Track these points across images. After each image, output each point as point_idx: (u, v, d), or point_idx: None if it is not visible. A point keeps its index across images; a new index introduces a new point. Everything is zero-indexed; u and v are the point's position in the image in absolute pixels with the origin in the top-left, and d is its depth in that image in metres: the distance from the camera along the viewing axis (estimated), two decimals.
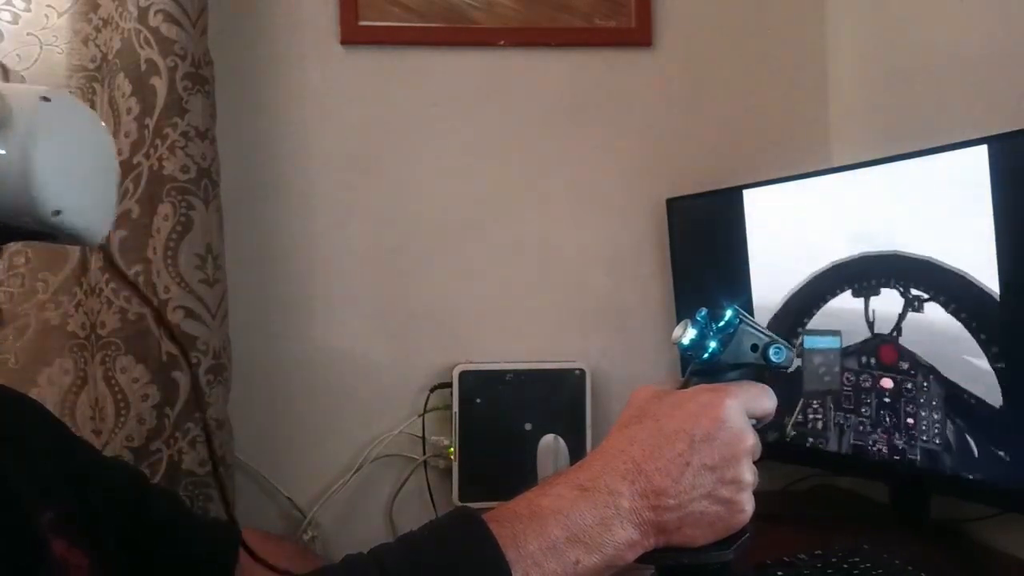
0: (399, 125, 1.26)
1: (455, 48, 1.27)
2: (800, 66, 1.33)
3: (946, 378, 0.91)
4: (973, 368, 0.88)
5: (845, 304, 1.03)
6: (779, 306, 1.11)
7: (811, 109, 1.33)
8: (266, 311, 1.23)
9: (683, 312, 1.24)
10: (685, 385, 0.55)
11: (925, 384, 0.93)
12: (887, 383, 0.98)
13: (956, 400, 0.90)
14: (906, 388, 0.96)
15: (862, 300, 1.01)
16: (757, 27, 1.32)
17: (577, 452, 1.17)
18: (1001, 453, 0.86)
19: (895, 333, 0.97)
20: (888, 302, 0.98)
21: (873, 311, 1.00)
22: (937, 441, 0.92)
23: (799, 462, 1.14)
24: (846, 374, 1.03)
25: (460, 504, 1.16)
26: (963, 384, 0.89)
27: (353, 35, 1.24)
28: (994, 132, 0.83)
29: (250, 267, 1.21)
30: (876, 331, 0.99)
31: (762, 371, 0.55)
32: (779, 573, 0.87)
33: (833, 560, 0.89)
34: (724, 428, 0.50)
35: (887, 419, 0.98)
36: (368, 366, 1.25)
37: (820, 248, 1.05)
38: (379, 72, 1.26)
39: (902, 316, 0.96)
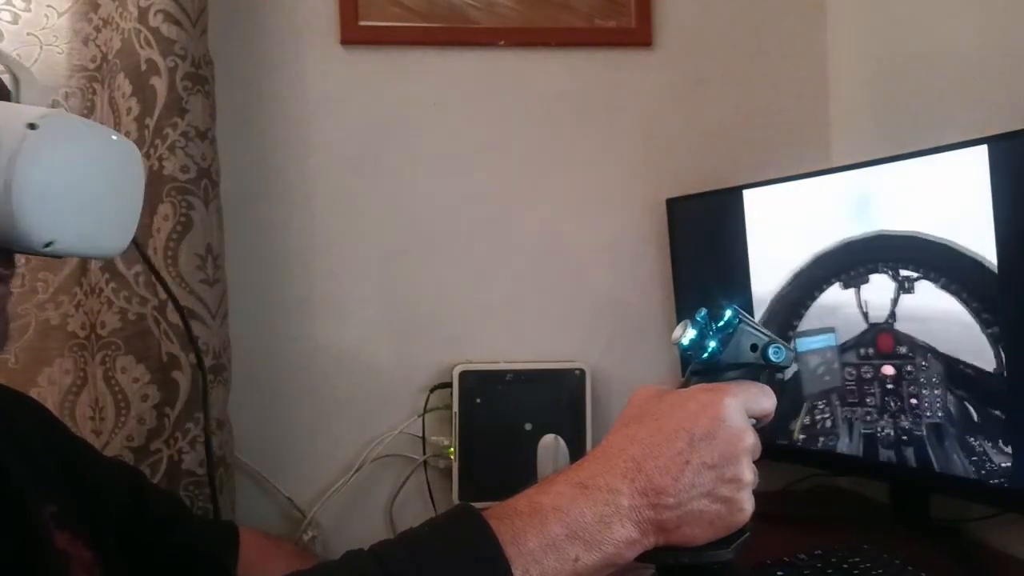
0: (399, 125, 1.26)
1: (455, 48, 1.27)
2: (800, 66, 1.33)
3: (944, 354, 0.91)
4: (971, 340, 0.88)
5: (837, 298, 1.02)
6: (766, 309, 1.11)
7: (811, 109, 1.33)
8: (266, 311, 1.23)
9: (683, 312, 1.24)
10: (685, 385, 0.55)
11: (924, 363, 0.94)
12: (888, 370, 0.98)
13: (955, 373, 0.90)
14: (907, 371, 0.96)
15: (853, 291, 1.00)
16: (757, 27, 1.32)
17: (577, 452, 1.17)
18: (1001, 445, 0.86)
19: (890, 320, 0.97)
20: (879, 289, 0.97)
21: (865, 301, 0.99)
22: (940, 414, 0.92)
23: (799, 462, 1.14)
24: (847, 369, 1.02)
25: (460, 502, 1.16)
26: (961, 357, 0.89)
27: (353, 35, 1.24)
28: (994, 132, 0.83)
29: (250, 267, 1.21)
30: (871, 321, 0.99)
31: (761, 371, 0.55)
32: (779, 573, 0.87)
33: (833, 560, 0.89)
34: (724, 427, 0.50)
35: (892, 404, 0.98)
36: (368, 366, 1.25)
37: (819, 247, 1.05)
38: (379, 72, 1.26)
39: (895, 301, 0.96)
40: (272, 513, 1.23)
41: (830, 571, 0.86)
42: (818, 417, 1.06)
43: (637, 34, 1.29)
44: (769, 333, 0.54)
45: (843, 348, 1.02)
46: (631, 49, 1.30)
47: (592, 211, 1.30)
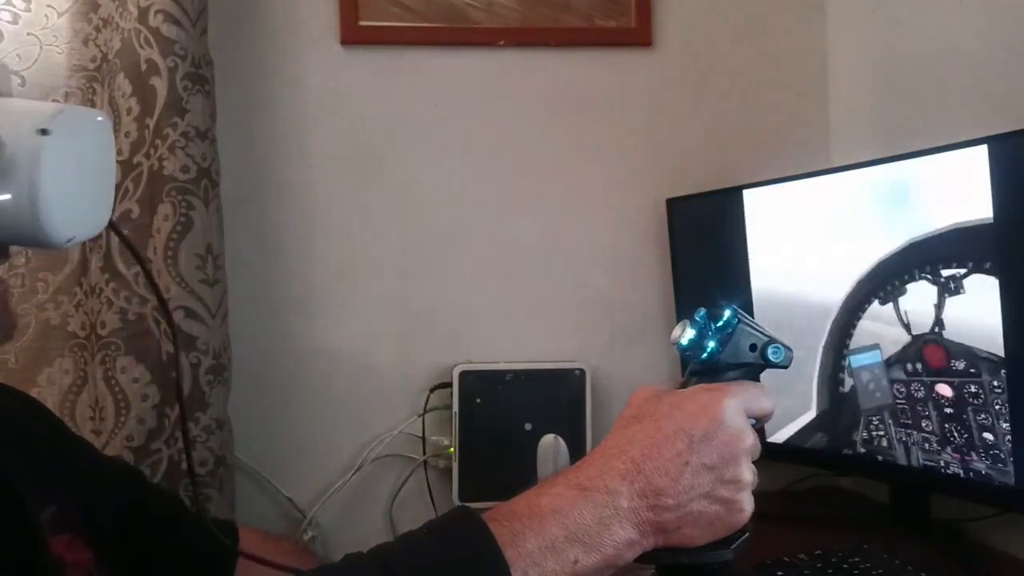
0: (399, 125, 1.26)
1: (455, 48, 1.27)
2: (800, 66, 1.33)
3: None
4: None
5: (878, 317, 0.96)
6: (824, 337, 1.05)
7: (811, 109, 1.33)
8: (266, 311, 1.23)
9: (683, 312, 1.24)
10: (684, 385, 0.55)
11: (996, 383, 0.80)
12: (944, 390, 0.87)
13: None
14: (970, 392, 0.84)
15: (891, 306, 0.94)
16: (757, 27, 1.32)
17: (577, 452, 1.17)
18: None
19: (937, 328, 0.87)
20: (919, 297, 0.90)
21: (905, 312, 0.92)
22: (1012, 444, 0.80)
23: (799, 462, 1.14)
24: (895, 386, 0.95)
25: (460, 504, 1.16)
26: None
27: (353, 35, 1.24)
28: (994, 132, 0.83)
29: (250, 267, 1.21)
30: (914, 332, 0.91)
31: (761, 371, 0.55)
32: (779, 573, 0.87)
33: (833, 560, 0.89)
34: (723, 428, 0.50)
35: (956, 434, 0.87)
36: (368, 366, 1.25)
37: (820, 247, 1.05)
38: (379, 72, 1.26)
39: (939, 306, 0.86)
40: (272, 513, 1.23)
41: (830, 571, 0.86)
42: (874, 433, 0.99)
43: (637, 34, 1.29)
44: (768, 333, 0.54)
45: (888, 363, 0.96)
46: (631, 49, 1.30)
47: (592, 211, 1.30)
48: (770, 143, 1.31)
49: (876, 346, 0.98)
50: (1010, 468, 0.84)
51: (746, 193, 1.13)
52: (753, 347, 0.54)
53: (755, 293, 1.13)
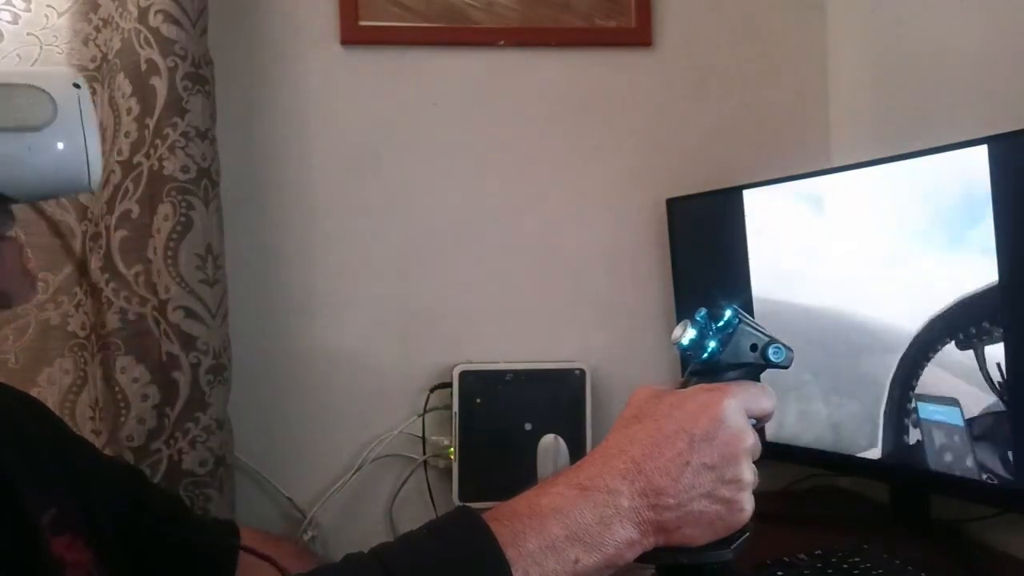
0: (399, 125, 1.26)
1: (455, 48, 1.27)
2: (800, 66, 1.33)
3: None
4: None
5: (952, 358, 0.78)
6: (893, 371, 0.91)
7: (811, 109, 1.33)
8: (266, 311, 1.23)
9: (683, 312, 1.24)
10: (684, 385, 0.55)
11: None
12: None
13: None
14: None
15: (971, 353, 0.75)
16: (757, 27, 1.32)
17: (577, 452, 1.17)
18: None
19: None
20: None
21: (998, 364, 0.71)
22: None
23: (799, 462, 1.14)
24: (985, 474, 0.76)
25: (460, 504, 1.16)
26: None
27: (353, 35, 1.24)
28: (994, 132, 0.83)
29: (250, 267, 1.21)
30: (1007, 394, 0.71)
31: (761, 371, 0.55)
32: (779, 573, 0.87)
33: (833, 560, 0.89)
34: (723, 428, 0.50)
35: None
36: (368, 366, 1.25)
37: (821, 247, 1.05)
38: (379, 72, 1.26)
39: None
40: (272, 513, 1.23)
41: (830, 571, 0.86)
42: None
43: (637, 34, 1.29)
44: (769, 333, 0.54)
45: (971, 429, 0.78)
46: (631, 49, 1.30)
47: (592, 211, 1.30)
48: (770, 143, 1.31)
49: (954, 401, 0.79)
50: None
51: (746, 193, 1.13)
52: (754, 347, 0.54)
53: (755, 293, 1.13)
